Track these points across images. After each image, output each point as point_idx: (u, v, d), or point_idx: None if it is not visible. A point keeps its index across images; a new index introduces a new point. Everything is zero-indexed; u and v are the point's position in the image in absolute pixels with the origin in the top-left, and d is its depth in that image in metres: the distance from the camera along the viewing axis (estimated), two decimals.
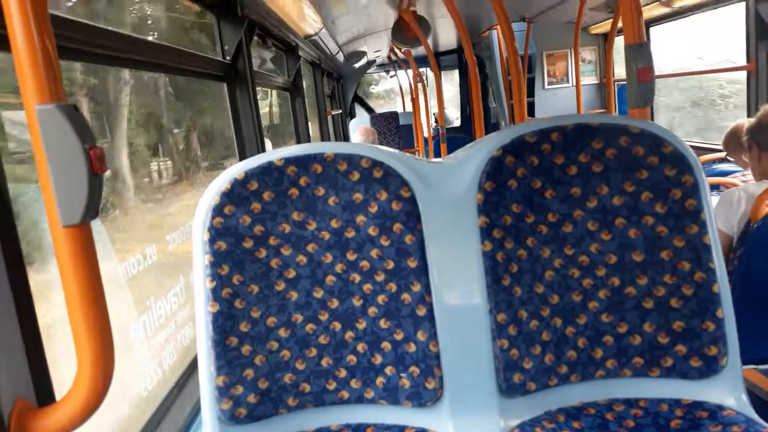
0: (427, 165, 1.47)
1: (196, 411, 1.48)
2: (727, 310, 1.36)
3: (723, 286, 1.37)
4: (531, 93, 6.85)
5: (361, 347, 1.41)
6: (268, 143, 2.95)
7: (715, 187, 3.04)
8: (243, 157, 2.53)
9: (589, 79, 6.92)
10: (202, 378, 1.37)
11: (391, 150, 1.47)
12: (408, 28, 5.08)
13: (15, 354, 0.84)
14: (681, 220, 1.39)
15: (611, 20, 5.65)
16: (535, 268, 1.42)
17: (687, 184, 1.38)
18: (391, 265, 1.40)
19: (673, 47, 5.61)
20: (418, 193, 1.41)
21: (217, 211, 1.38)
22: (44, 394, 0.88)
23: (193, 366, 1.71)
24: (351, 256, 1.42)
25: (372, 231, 1.41)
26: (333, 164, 1.42)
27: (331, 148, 1.43)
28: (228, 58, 2.48)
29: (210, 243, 1.37)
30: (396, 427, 1.38)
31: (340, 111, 8.54)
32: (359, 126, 7.24)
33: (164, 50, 1.77)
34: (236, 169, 1.41)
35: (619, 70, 6.64)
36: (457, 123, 10.54)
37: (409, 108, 10.39)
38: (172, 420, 1.44)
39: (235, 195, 1.39)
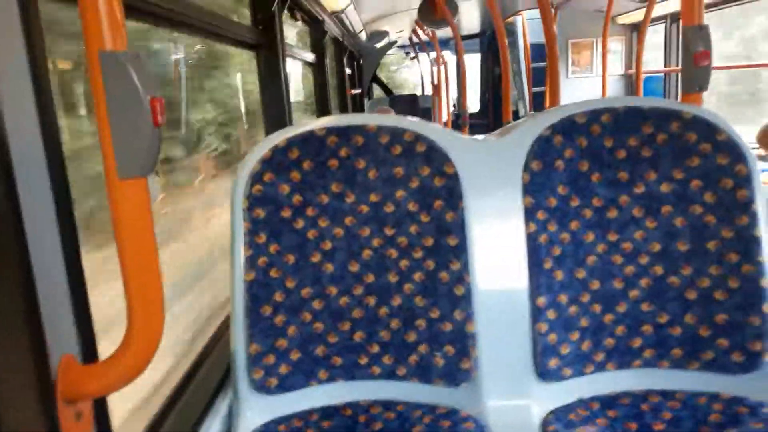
0: (473, 142, 1.44)
1: (224, 379, 1.46)
2: None
3: None
4: (543, 82, 6.77)
5: (395, 323, 1.39)
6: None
7: None
8: (270, 127, 2.50)
9: (613, 70, 6.81)
10: (234, 345, 1.35)
11: (436, 125, 1.43)
12: (435, 8, 5.00)
13: (62, 310, 0.82)
14: (731, 211, 1.35)
15: (645, 9, 5.54)
16: (578, 253, 1.39)
17: (740, 174, 1.34)
18: (429, 242, 1.38)
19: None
20: (462, 170, 1.37)
21: (257, 178, 1.35)
22: (89, 352, 0.86)
23: (220, 333, 1.69)
24: (389, 231, 1.39)
25: (412, 206, 1.38)
26: (375, 136, 1.38)
27: (374, 119, 1.40)
28: (260, 26, 2.44)
29: (248, 210, 1.35)
30: (426, 405, 1.36)
31: (360, 91, 8.47)
32: (377, 107, 7.11)
33: (204, 14, 1.74)
34: (277, 137, 1.38)
35: (646, 61, 6.54)
36: (473, 109, 10.44)
37: (427, 92, 10.28)
38: (199, 387, 1.42)
39: (276, 163, 1.36)
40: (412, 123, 1.41)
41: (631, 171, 1.39)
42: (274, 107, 2.46)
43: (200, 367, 1.50)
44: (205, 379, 1.45)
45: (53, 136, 0.81)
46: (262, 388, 1.34)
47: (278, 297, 1.36)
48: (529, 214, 1.36)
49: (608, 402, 1.34)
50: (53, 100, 0.82)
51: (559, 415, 1.30)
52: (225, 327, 1.61)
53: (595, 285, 1.39)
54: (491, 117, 9.27)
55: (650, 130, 1.38)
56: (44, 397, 0.75)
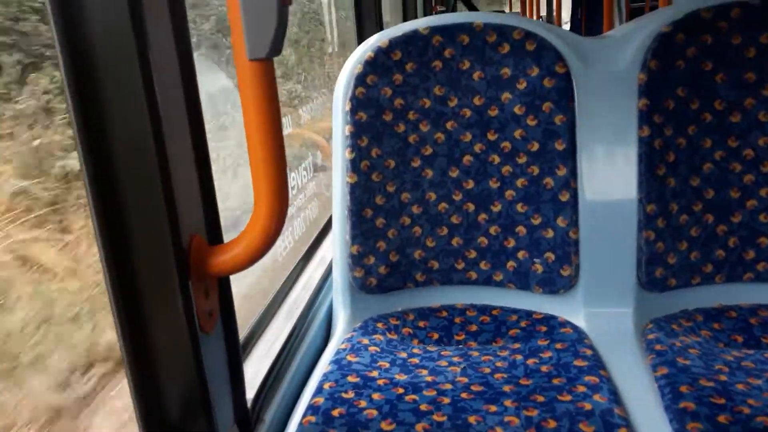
0: (586, 39, 1.36)
1: (327, 277, 1.52)
2: None
3: None
4: None
5: (493, 230, 1.38)
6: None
7: None
8: (361, 35, 2.47)
9: None
10: (336, 246, 1.40)
11: (547, 23, 1.36)
12: None
13: (191, 196, 0.86)
14: None
15: None
16: (693, 159, 1.31)
17: None
18: (535, 147, 1.34)
19: None
20: (574, 69, 1.31)
21: (360, 80, 1.35)
22: (215, 234, 0.90)
23: (323, 235, 1.75)
24: (492, 136, 1.36)
25: (518, 110, 1.34)
26: (481, 35, 1.33)
27: (481, 17, 1.35)
28: None
29: (351, 113, 1.35)
30: (524, 311, 1.36)
31: (444, 9, 8.16)
32: None
33: None
34: (380, 37, 1.36)
35: None
36: (565, 27, 9.83)
37: (515, 9, 9.78)
38: (303, 286, 1.49)
39: (378, 64, 1.35)
40: (521, 20, 1.34)
41: (760, 70, 1.28)
42: (366, 15, 2.42)
43: (306, 266, 1.56)
44: (310, 277, 1.52)
45: (184, 33, 0.83)
46: (362, 287, 1.39)
47: (379, 200, 1.38)
48: (644, 117, 1.29)
49: (714, 314, 1.30)
50: None
51: (660, 324, 1.27)
52: (328, 227, 1.66)
53: (710, 194, 1.31)
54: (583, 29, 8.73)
55: None
56: (181, 271, 0.80)
